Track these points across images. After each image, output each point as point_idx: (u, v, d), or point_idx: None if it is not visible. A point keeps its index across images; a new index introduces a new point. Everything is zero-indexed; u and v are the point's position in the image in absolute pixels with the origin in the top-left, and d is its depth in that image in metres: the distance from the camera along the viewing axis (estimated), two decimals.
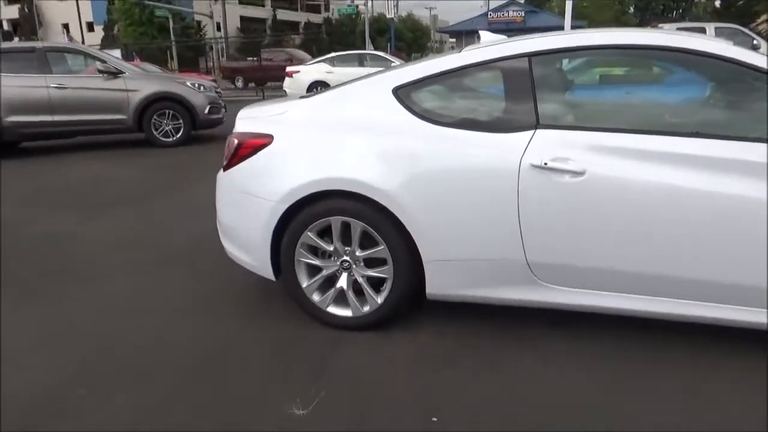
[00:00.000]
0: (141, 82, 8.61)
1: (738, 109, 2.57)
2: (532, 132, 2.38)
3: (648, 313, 2.39)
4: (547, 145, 2.34)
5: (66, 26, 44.02)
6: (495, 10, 36.75)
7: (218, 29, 45.43)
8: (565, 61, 3.00)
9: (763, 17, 29.57)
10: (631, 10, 64.60)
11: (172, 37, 34.00)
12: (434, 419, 2.07)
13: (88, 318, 2.97)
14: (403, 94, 2.62)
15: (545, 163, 2.31)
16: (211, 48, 36.74)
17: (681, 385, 2.23)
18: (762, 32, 27.99)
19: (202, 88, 9.08)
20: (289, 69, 15.48)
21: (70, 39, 15.45)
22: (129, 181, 6.44)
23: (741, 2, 26.62)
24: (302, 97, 3.14)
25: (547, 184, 2.31)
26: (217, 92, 9.64)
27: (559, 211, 2.32)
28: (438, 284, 2.56)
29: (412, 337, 2.65)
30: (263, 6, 57.21)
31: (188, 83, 9.04)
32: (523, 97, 2.46)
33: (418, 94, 2.64)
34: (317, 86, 14.30)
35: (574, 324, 2.64)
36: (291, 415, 2.12)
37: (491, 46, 2.64)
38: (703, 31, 12.65)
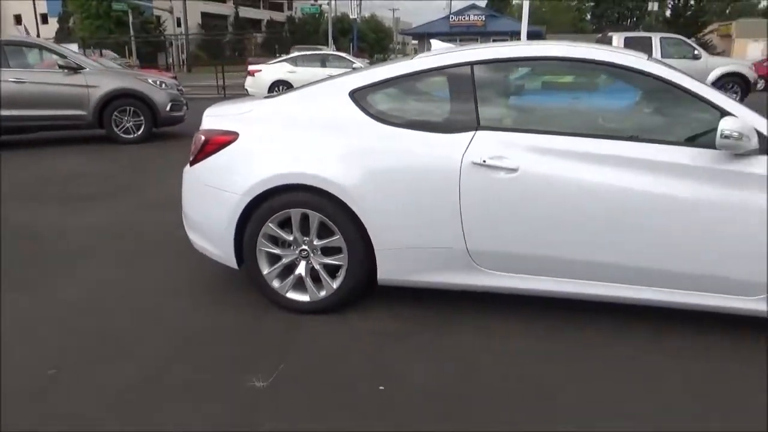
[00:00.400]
0: (101, 78, 8.59)
1: (654, 116, 2.90)
2: (473, 133, 2.66)
3: (577, 294, 2.69)
4: (486, 144, 2.62)
5: (18, 17, 42.65)
6: (456, 13, 37.31)
7: (178, 25, 44.81)
8: (521, 69, 3.27)
9: (710, 27, 31.04)
10: (588, 16, 66.54)
11: (130, 31, 33.39)
12: (381, 387, 2.32)
13: (67, 306, 3.11)
14: (359, 96, 2.87)
15: (484, 161, 2.59)
16: (171, 44, 36.25)
17: (609, 361, 2.54)
18: (708, 42, 29.41)
19: (163, 85, 9.12)
20: (251, 68, 15.52)
21: (26, 33, 15.09)
22: (96, 177, 6.48)
23: (689, 13, 28.01)
24: (266, 97, 3.35)
25: (485, 179, 2.59)
26: (178, 90, 9.68)
27: (495, 204, 2.60)
28: (388, 270, 2.81)
29: (365, 318, 2.90)
30: (225, 2, 56.59)
31: (150, 80, 9.07)
32: (465, 101, 2.74)
33: (372, 97, 2.88)
34: (279, 86, 14.39)
35: (511, 305, 2.93)
36: (252, 387, 2.33)
37: (440, 54, 2.92)
38: (649, 40, 13.31)
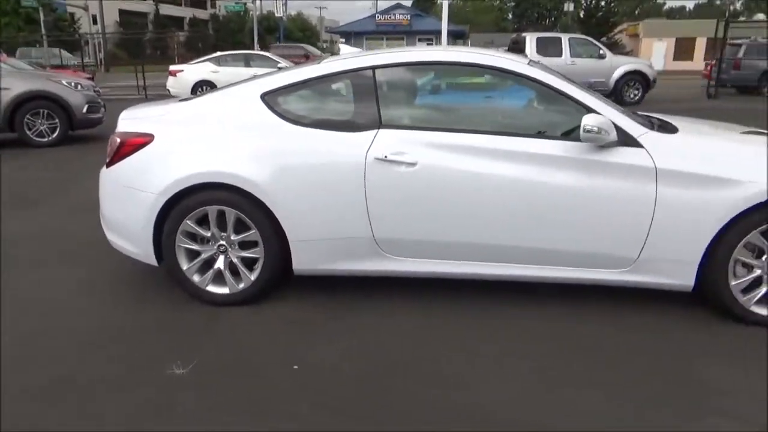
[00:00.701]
0: (12, 79, 8.29)
1: (535, 113, 3.23)
2: (376, 131, 2.90)
3: (474, 275, 2.99)
4: (387, 141, 2.87)
5: None
6: (382, 12, 37.84)
7: (95, 22, 42.90)
8: (419, 72, 3.52)
9: (619, 27, 32.94)
10: (510, 16, 69.00)
11: (42, 29, 31.66)
12: (295, 367, 2.52)
13: None
14: (270, 98, 3.05)
15: (386, 157, 2.84)
16: (87, 43, 34.71)
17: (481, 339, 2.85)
18: (618, 41, 31.18)
19: (79, 86, 8.88)
20: (172, 68, 15.20)
21: None
22: (9, 182, 6.29)
23: (600, 14, 29.59)
24: (182, 99, 3.47)
25: (388, 173, 2.84)
26: (95, 91, 9.44)
27: (397, 195, 2.86)
28: (302, 261, 3.02)
29: (279, 307, 3.09)
30: None
31: (64, 82, 8.80)
32: (368, 102, 2.98)
33: (283, 99, 3.07)
34: (202, 86, 14.19)
35: (413, 288, 3.21)
36: (172, 374, 2.48)
37: (346, 58, 3.15)
38: (559, 41, 14.10)
